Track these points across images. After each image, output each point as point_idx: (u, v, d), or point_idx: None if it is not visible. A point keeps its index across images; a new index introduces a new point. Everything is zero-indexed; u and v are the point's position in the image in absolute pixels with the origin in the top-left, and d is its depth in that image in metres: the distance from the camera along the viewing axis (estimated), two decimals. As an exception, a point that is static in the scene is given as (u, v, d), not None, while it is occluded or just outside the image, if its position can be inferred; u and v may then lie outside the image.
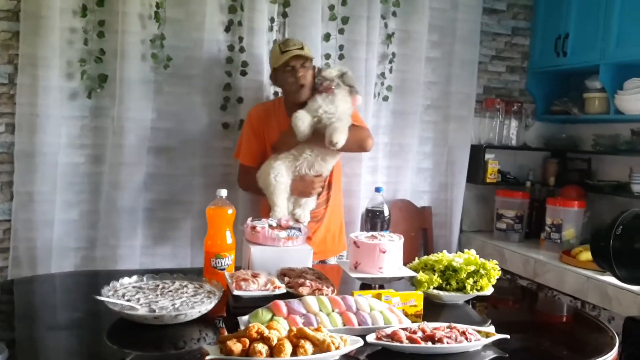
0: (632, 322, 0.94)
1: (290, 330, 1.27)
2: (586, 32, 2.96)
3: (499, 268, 1.80)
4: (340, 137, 2.17)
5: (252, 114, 2.50)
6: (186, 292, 1.56)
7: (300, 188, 2.31)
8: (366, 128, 2.41)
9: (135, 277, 1.64)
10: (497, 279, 1.80)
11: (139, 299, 1.48)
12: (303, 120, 2.20)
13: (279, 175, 2.24)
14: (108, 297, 1.47)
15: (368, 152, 2.43)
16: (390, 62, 3.03)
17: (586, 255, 2.57)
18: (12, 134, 2.52)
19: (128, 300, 1.46)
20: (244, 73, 2.72)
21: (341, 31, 2.87)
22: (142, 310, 1.41)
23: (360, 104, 2.40)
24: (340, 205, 2.62)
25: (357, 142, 2.31)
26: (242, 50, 2.72)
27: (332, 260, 2.55)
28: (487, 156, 3.26)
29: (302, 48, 2.30)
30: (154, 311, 1.40)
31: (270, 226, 1.97)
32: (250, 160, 2.42)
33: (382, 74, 3.02)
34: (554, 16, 3.19)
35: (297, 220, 2.28)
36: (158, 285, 1.61)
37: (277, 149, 2.34)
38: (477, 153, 3.27)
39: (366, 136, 2.35)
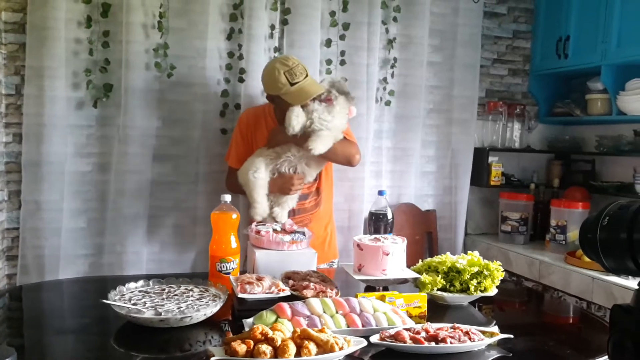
0: (619, 309, 0.94)
1: (294, 332, 1.28)
2: (587, 33, 2.97)
3: (502, 269, 1.80)
4: (318, 145, 2.17)
5: (242, 118, 2.51)
6: (192, 296, 1.58)
7: (279, 184, 2.29)
8: (355, 144, 2.41)
9: (141, 282, 1.66)
10: (502, 281, 1.81)
11: (145, 303, 1.50)
12: (297, 116, 2.19)
13: (258, 171, 2.23)
14: (115, 301, 1.50)
15: (354, 167, 2.43)
16: (392, 67, 3.05)
17: (591, 256, 2.56)
18: (20, 144, 2.56)
19: (134, 304, 1.48)
20: (241, 80, 2.75)
21: (342, 37, 2.90)
22: (148, 314, 1.42)
23: (354, 115, 2.37)
24: (329, 213, 2.60)
25: (345, 156, 2.32)
26: (240, 57, 2.75)
27: (322, 267, 2.49)
28: (490, 159, 3.27)
29: (307, 75, 2.25)
30: (160, 314, 1.42)
31: (275, 230, 1.99)
32: (237, 163, 2.40)
33: (384, 79, 3.05)
34: (554, 19, 3.20)
35: (274, 219, 2.28)
36: (164, 289, 1.63)
37: (267, 144, 2.33)
38: (480, 156, 3.28)
39: (354, 152, 2.35)
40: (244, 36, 2.74)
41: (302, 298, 1.57)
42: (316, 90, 2.23)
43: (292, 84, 2.21)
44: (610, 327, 0.96)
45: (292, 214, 2.37)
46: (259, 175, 2.23)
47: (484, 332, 1.42)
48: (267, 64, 2.34)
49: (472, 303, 1.78)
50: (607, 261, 0.95)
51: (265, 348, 1.20)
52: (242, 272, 1.89)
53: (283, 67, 2.22)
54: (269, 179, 2.27)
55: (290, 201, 2.35)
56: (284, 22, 2.82)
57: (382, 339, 1.35)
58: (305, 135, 2.22)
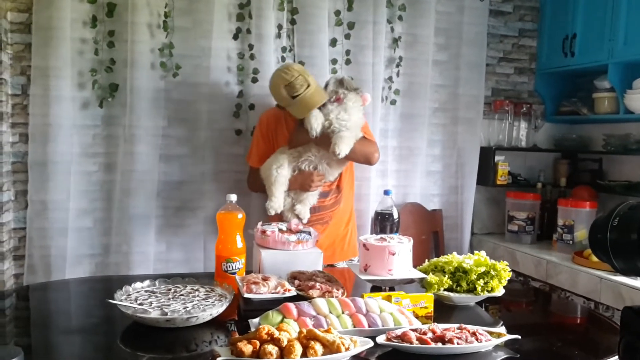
0: (629, 311, 0.93)
1: (300, 332, 1.28)
2: (593, 31, 2.95)
3: (509, 269, 1.79)
4: (344, 148, 2.21)
5: (263, 118, 2.54)
6: (198, 296, 1.58)
7: (300, 180, 2.34)
8: (374, 142, 2.44)
9: (147, 282, 1.66)
10: (509, 281, 1.79)
11: (151, 303, 1.50)
12: (317, 118, 2.24)
13: (281, 167, 2.29)
14: (121, 301, 1.50)
15: (373, 165, 2.47)
16: (397, 66, 3.04)
17: (599, 256, 2.55)
18: (26, 144, 2.57)
19: (141, 304, 1.48)
20: (255, 80, 2.75)
21: (347, 36, 2.89)
22: (154, 314, 1.42)
23: (370, 101, 2.41)
24: (350, 210, 2.62)
25: (364, 155, 2.36)
26: (252, 57, 2.75)
27: (341, 265, 2.55)
28: (497, 158, 3.26)
29: (308, 85, 2.24)
30: (166, 314, 1.42)
31: (280, 230, 1.98)
32: (259, 163, 2.45)
33: (390, 78, 3.04)
34: (560, 17, 3.18)
35: (297, 216, 2.33)
36: (170, 289, 1.63)
37: (288, 143, 2.38)
38: (486, 155, 3.26)
39: (373, 150, 2.39)
40: (252, 36, 2.74)
41: (308, 298, 1.56)
42: (319, 101, 2.27)
43: (293, 97, 2.25)
44: (621, 329, 0.95)
45: (312, 211, 2.40)
46: (281, 171, 2.29)
47: (491, 333, 1.41)
48: (271, 75, 2.36)
49: (479, 303, 1.77)
50: (618, 262, 0.94)
51: (272, 348, 1.20)
52: (248, 272, 1.88)
53: (283, 81, 2.26)
54: (290, 177, 2.32)
55: (311, 198, 2.39)
56: (292, 22, 2.81)
57: (388, 339, 1.34)
58: (325, 136, 2.25)
